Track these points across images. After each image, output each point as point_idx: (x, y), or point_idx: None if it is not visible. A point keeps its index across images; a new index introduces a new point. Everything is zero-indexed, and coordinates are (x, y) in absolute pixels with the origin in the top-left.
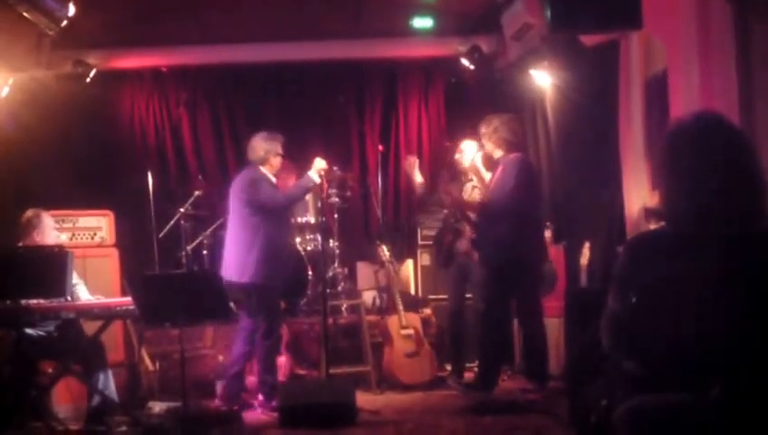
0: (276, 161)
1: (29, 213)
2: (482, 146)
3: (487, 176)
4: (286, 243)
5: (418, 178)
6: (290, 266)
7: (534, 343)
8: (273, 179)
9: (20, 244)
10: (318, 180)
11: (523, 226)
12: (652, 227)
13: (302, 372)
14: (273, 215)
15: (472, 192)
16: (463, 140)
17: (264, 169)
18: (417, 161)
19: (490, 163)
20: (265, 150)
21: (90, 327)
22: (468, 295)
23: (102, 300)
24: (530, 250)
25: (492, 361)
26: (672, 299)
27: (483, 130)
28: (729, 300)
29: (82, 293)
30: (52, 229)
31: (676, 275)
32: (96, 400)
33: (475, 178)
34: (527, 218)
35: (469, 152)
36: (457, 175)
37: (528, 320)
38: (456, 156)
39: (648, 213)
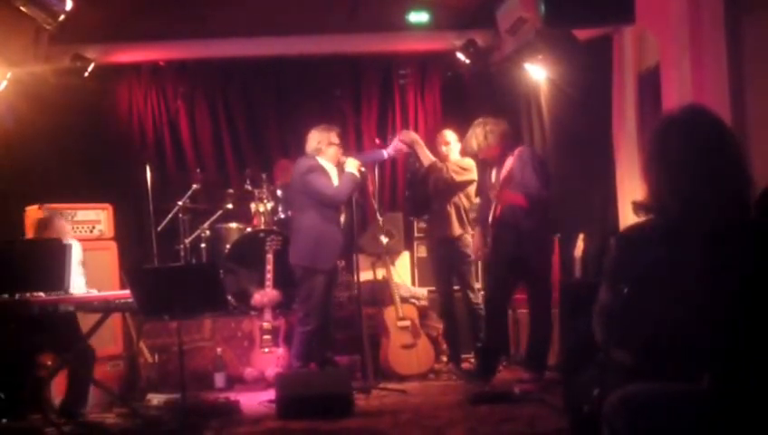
0: (331, 151)
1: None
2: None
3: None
4: (332, 232)
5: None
6: (334, 257)
7: (539, 334)
8: (330, 168)
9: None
10: (359, 175)
11: (543, 219)
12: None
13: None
14: (321, 203)
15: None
16: (445, 130)
17: (319, 159)
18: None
19: (484, 163)
20: (318, 141)
21: (89, 320)
22: (456, 287)
23: (94, 293)
24: (546, 243)
25: (491, 350)
26: (662, 289)
27: (474, 144)
28: (718, 289)
29: (81, 283)
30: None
31: (665, 265)
32: (72, 397)
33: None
34: (546, 212)
35: (455, 143)
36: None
37: (537, 311)
38: (443, 148)
39: (637, 207)
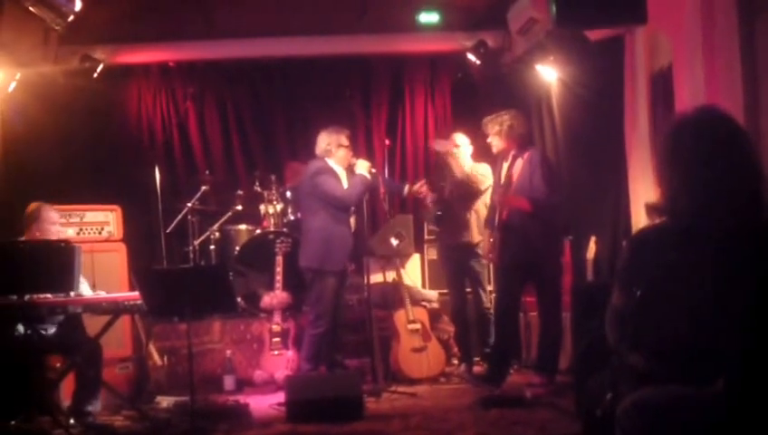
0: (341, 153)
1: (31, 206)
2: (472, 142)
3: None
4: (342, 234)
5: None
6: (344, 259)
7: (550, 337)
8: (340, 171)
9: (22, 238)
10: (370, 177)
11: (552, 223)
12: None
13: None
14: (331, 205)
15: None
16: (455, 133)
17: (330, 162)
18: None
19: (494, 159)
20: (327, 143)
21: (97, 322)
22: (468, 290)
23: (103, 295)
24: (555, 247)
25: (502, 355)
26: (675, 292)
27: (496, 128)
28: (731, 291)
29: (85, 289)
30: (53, 224)
31: (678, 268)
32: (82, 395)
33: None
34: (555, 215)
35: (466, 147)
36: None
37: (547, 313)
38: (453, 150)
39: (650, 209)
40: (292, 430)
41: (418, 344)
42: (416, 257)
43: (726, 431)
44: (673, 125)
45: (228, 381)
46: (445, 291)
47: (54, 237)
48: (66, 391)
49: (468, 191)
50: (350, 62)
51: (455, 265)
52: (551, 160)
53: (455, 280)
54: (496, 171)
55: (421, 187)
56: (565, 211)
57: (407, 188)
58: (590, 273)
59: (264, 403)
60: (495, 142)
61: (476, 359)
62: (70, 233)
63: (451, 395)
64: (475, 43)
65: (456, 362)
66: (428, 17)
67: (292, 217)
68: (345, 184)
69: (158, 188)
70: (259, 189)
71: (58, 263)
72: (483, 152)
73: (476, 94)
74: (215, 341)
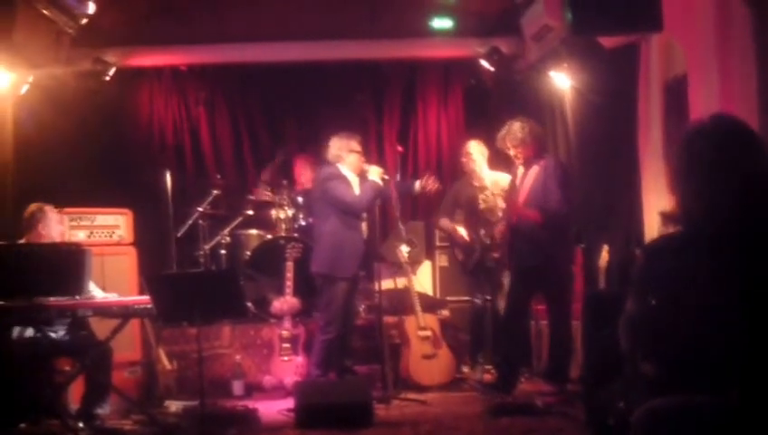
0: (352, 158)
1: (32, 207)
2: (486, 149)
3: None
4: (353, 240)
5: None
6: (355, 265)
7: (561, 346)
8: (351, 176)
9: (23, 239)
10: (381, 183)
11: (563, 230)
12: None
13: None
14: (342, 211)
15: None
16: (468, 141)
17: (341, 167)
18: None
19: (508, 166)
20: (338, 148)
21: (107, 325)
22: (487, 298)
23: (114, 297)
24: (566, 254)
25: (512, 363)
26: (690, 301)
27: (518, 136)
28: (747, 301)
29: (95, 292)
30: (56, 224)
31: (693, 276)
32: (91, 398)
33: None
34: (567, 222)
35: (479, 157)
36: (468, 180)
37: (557, 321)
38: (463, 160)
39: (665, 218)
40: None
41: (429, 351)
42: (426, 264)
43: None
44: (687, 133)
45: (237, 387)
46: (455, 298)
47: (59, 238)
48: (75, 395)
49: (495, 203)
50: (363, 67)
51: (480, 270)
52: (566, 167)
53: (478, 285)
54: (512, 177)
55: (428, 180)
56: (577, 219)
57: (417, 184)
58: (601, 281)
59: (273, 409)
60: (519, 153)
61: (488, 367)
62: (80, 236)
63: (461, 403)
64: (489, 49)
65: (466, 369)
66: (442, 23)
67: (303, 223)
68: (357, 190)
69: (169, 191)
70: (270, 194)
71: (68, 266)
72: (498, 160)
73: (489, 101)
74: (224, 346)
